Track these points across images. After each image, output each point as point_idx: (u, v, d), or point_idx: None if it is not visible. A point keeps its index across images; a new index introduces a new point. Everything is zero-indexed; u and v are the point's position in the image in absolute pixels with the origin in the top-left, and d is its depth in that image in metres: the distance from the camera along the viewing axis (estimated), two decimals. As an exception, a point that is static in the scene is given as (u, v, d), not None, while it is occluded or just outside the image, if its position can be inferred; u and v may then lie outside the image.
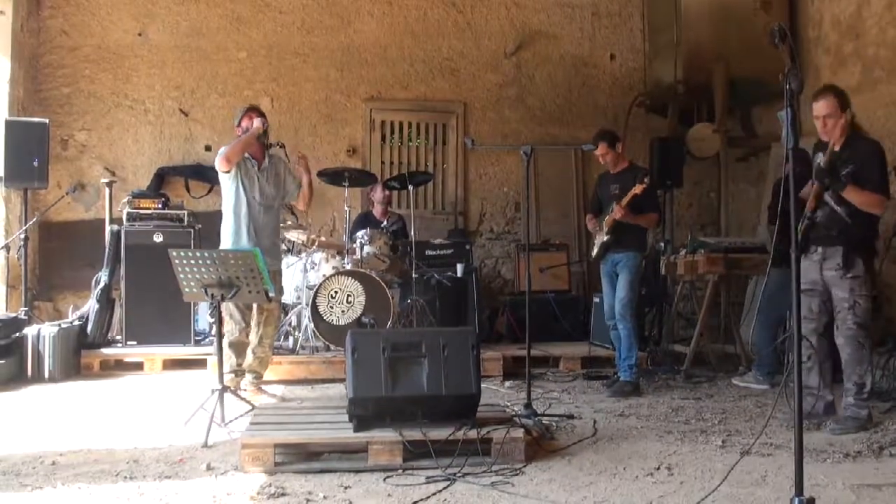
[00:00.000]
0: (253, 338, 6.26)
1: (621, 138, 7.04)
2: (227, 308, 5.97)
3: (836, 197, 5.07)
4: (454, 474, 4.07)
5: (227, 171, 6.22)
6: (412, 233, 8.02)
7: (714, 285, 7.65)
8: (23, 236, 8.04)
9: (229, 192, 6.30)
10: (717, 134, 9.34)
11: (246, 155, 6.28)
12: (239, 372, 6.19)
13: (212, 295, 5.25)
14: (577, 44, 10.53)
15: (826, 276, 5.18)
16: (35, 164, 7.96)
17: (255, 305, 6.14)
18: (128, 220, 7.83)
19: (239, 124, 6.42)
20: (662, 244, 8.50)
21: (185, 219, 7.95)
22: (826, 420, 5.27)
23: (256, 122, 6.25)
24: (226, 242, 6.25)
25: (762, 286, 6.65)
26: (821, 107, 5.18)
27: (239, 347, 6.17)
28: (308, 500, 3.75)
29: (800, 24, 9.19)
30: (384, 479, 4.05)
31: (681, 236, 9.16)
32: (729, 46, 9.11)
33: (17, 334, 7.26)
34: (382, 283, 7.34)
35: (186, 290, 5.29)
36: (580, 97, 10.49)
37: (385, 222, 8.41)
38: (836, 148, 5.11)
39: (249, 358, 6.28)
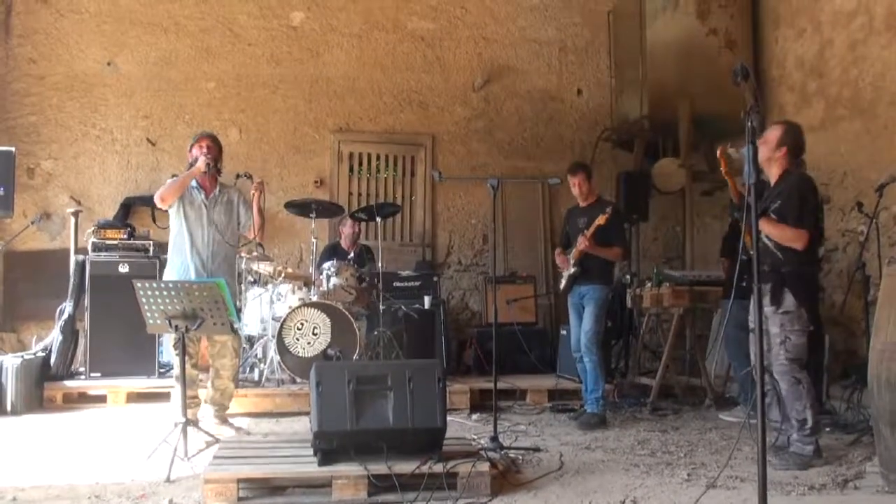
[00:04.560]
0: (211, 371, 6.14)
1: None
2: (170, 339, 5.82)
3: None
4: (419, 508, 4.04)
5: (167, 208, 6.14)
6: (380, 264, 8.00)
7: (679, 318, 7.72)
8: (-14, 266, 7.95)
9: (174, 224, 6.18)
10: (682, 169, 9.44)
11: (193, 184, 6.16)
12: (192, 404, 5.86)
13: (176, 326, 5.20)
14: (544, 78, 10.65)
15: (765, 312, 5.18)
16: (0, 192, 7.88)
17: (204, 339, 6.03)
18: (93, 250, 7.74)
19: (190, 150, 6.26)
20: (628, 277, 8.57)
21: (151, 249, 7.87)
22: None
23: (200, 162, 6.05)
24: (171, 277, 6.06)
25: (724, 320, 6.71)
26: (768, 132, 5.33)
27: (189, 379, 5.75)
28: (271, 536, 3.71)
29: (764, 63, 9.35)
30: (349, 514, 4.03)
31: (647, 269, 9.23)
32: (694, 83, 9.22)
33: (-21, 366, 7.13)
34: (349, 315, 7.32)
35: (150, 321, 5.24)
36: (547, 131, 10.59)
37: (351, 254, 8.42)
38: (773, 180, 5.30)
39: (211, 391, 6.16)
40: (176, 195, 6.07)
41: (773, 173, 5.33)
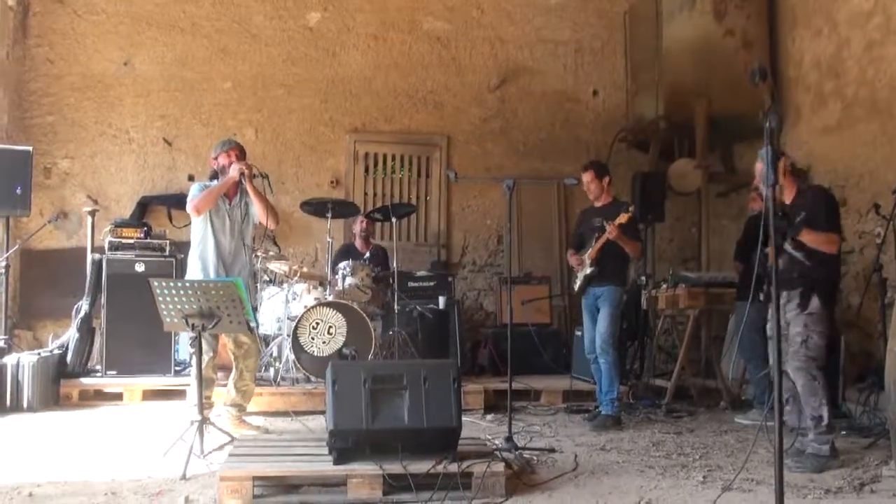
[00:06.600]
0: (234, 373, 6.14)
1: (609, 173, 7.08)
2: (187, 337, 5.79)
3: (794, 243, 5.26)
4: (434, 508, 4.04)
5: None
6: (394, 264, 8.02)
7: (695, 319, 7.70)
8: (4, 264, 7.99)
9: (198, 231, 6.12)
10: (698, 170, 9.40)
11: None
12: (206, 405, 5.79)
13: (192, 325, 5.21)
14: (560, 79, 10.65)
15: (787, 318, 5.28)
16: (18, 191, 7.90)
17: (224, 339, 6.05)
18: (110, 248, 7.76)
19: (216, 158, 6.20)
20: (644, 278, 8.54)
21: (167, 248, 7.89)
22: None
23: (234, 171, 5.98)
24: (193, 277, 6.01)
25: (741, 323, 6.68)
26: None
27: (206, 380, 5.76)
28: (287, 534, 3.72)
29: (780, 64, 9.30)
30: (364, 513, 4.03)
31: (662, 271, 9.19)
32: (710, 84, 9.19)
33: (-4, 363, 7.18)
34: (364, 315, 7.33)
35: (167, 319, 5.25)
36: (563, 132, 10.59)
37: (367, 254, 8.42)
38: (788, 201, 5.40)
39: (233, 393, 6.13)
40: (212, 205, 6.04)
41: (787, 194, 5.44)
